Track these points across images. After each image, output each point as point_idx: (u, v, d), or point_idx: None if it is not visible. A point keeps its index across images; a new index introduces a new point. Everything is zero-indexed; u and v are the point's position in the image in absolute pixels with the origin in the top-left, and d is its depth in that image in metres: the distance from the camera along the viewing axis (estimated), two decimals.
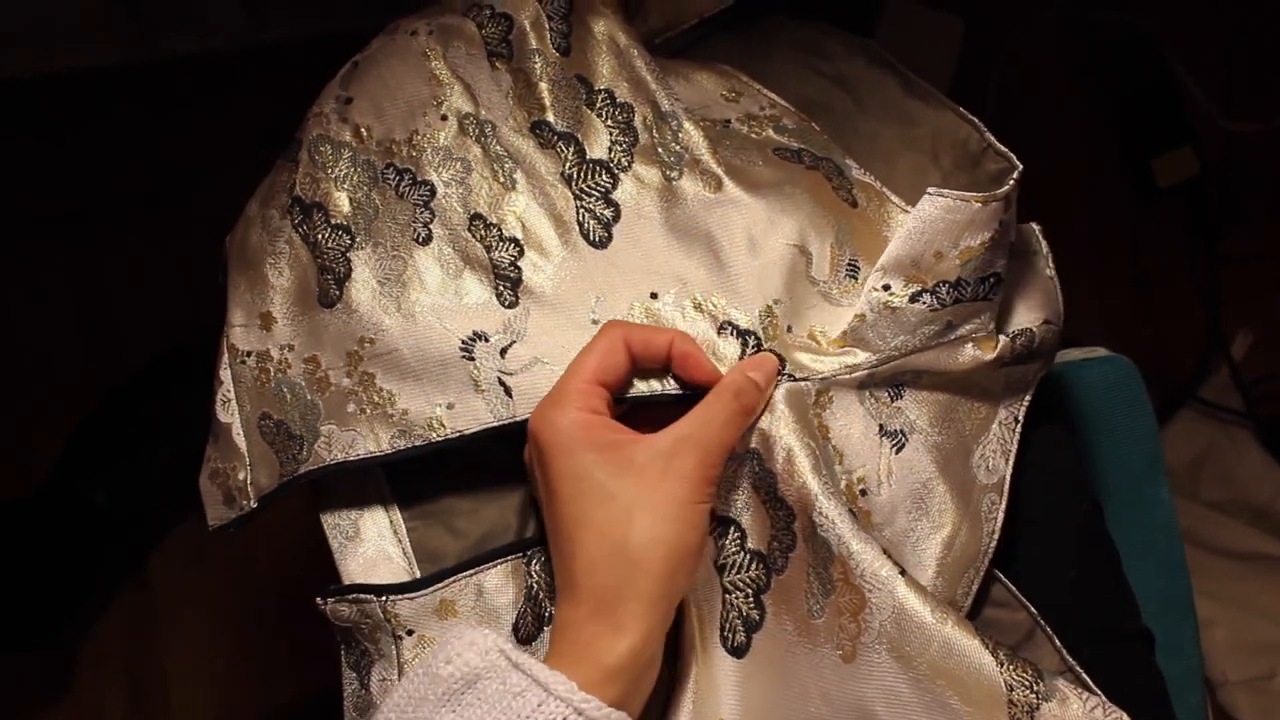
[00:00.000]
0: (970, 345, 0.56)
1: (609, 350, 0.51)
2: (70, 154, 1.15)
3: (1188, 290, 1.19)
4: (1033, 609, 0.58)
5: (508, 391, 0.55)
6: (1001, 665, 0.48)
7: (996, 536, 0.56)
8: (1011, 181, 0.55)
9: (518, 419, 0.55)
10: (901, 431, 0.55)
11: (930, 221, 0.54)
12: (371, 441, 0.56)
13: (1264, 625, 1.08)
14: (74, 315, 1.15)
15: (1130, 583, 0.65)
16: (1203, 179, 1.17)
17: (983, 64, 1.14)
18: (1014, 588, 0.59)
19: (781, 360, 0.54)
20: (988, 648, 0.48)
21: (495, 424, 0.55)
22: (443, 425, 0.56)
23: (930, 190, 0.54)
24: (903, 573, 0.50)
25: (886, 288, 0.55)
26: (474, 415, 0.56)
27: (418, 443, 0.56)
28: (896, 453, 0.55)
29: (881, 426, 0.55)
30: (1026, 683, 0.48)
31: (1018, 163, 0.56)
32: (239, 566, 1.12)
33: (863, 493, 0.54)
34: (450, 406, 0.56)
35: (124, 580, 1.12)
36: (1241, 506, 1.14)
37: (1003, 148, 0.58)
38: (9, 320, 1.15)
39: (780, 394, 0.53)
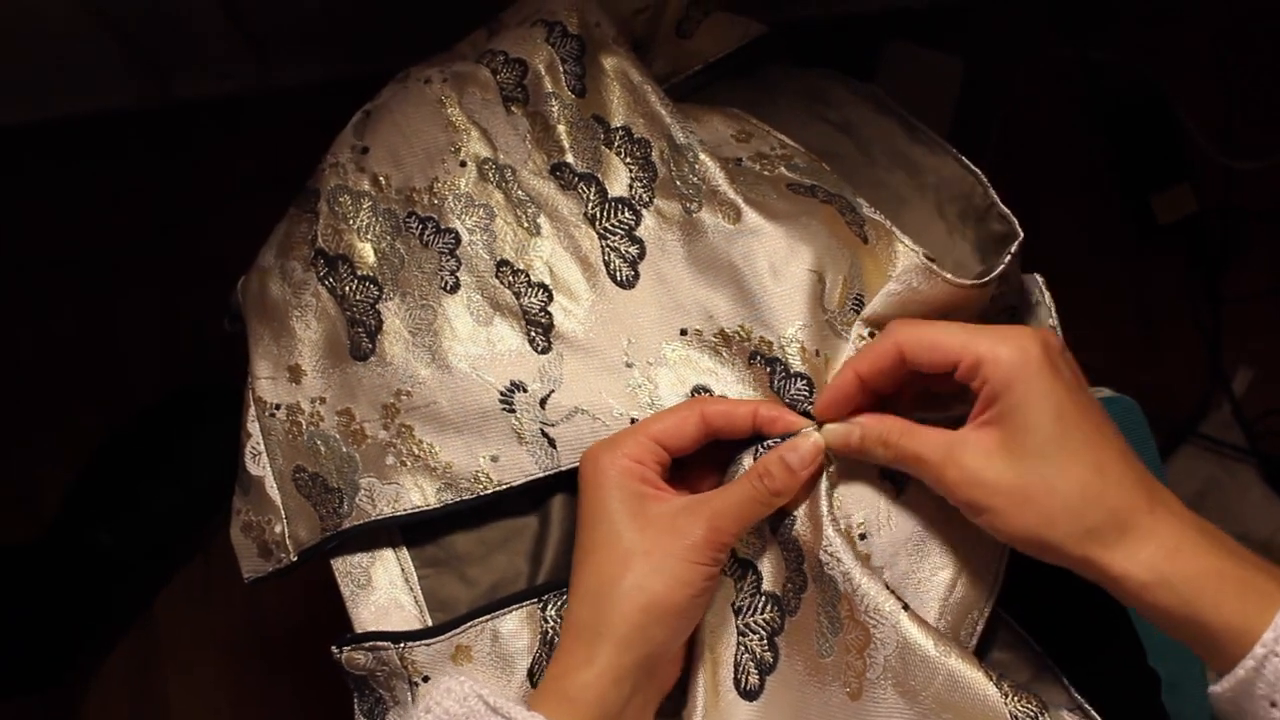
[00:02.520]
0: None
1: (682, 419, 0.53)
2: (79, 197, 1.16)
3: (1188, 326, 1.19)
4: (1038, 648, 0.58)
5: (551, 443, 0.56)
6: (1006, 697, 0.48)
7: (1001, 578, 0.56)
8: (1009, 257, 0.55)
9: (562, 468, 0.56)
10: (902, 474, 0.55)
11: (920, 293, 0.54)
12: (418, 495, 0.57)
13: None
14: (81, 357, 1.15)
15: (1136, 623, 0.65)
16: (1202, 216, 1.18)
17: (982, 104, 1.15)
18: (1021, 629, 0.59)
19: (811, 385, 0.54)
20: (992, 680, 0.48)
21: (540, 475, 0.56)
22: (489, 478, 0.57)
23: (922, 262, 0.54)
24: (905, 607, 0.50)
25: (872, 335, 0.55)
26: (520, 468, 0.56)
27: (465, 496, 0.57)
28: (897, 496, 0.55)
29: (880, 470, 0.55)
30: (1031, 714, 0.48)
31: (1019, 230, 0.57)
32: (244, 607, 1.12)
33: (862, 536, 0.54)
34: (494, 459, 0.57)
35: (130, 622, 1.12)
36: (1243, 541, 1.13)
37: (1005, 210, 0.58)
38: (17, 362, 1.15)
39: (810, 443, 0.53)
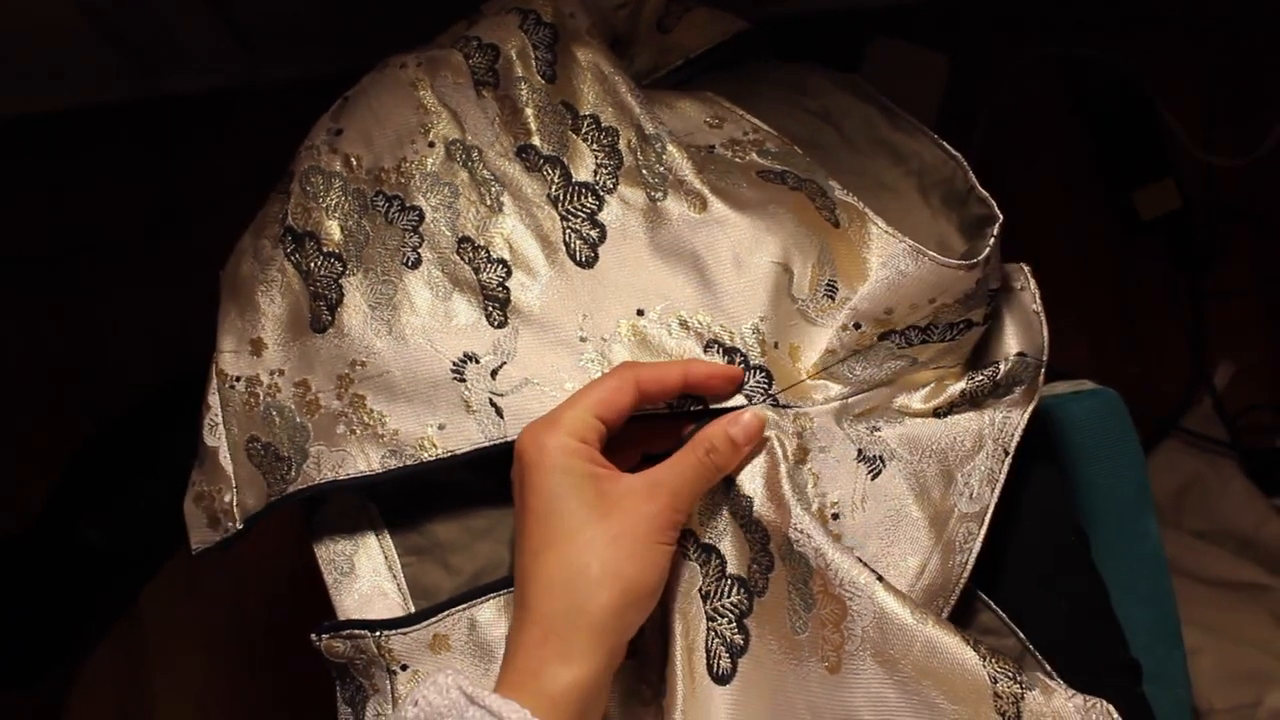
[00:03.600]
0: (932, 376, 0.58)
1: (617, 388, 0.52)
2: (66, 191, 1.16)
3: (1170, 321, 1.20)
4: (1021, 634, 0.59)
5: (499, 412, 0.56)
6: (984, 659, 0.49)
7: (970, 566, 0.56)
8: (992, 240, 0.56)
9: (509, 439, 0.55)
10: (880, 457, 0.56)
11: (909, 277, 0.55)
12: (362, 461, 0.57)
13: (1249, 653, 1.08)
14: (67, 353, 1.15)
15: (1118, 613, 0.65)
16: (1184, 212, 1.19)
17: (967, 100, 1.16)
18: (1003, 614, 0.59)
19: (770, 377, 0.55)
20: (969, 643, 0.49)
21: (486, 444, 0.56)
22: (434, 445, 0.56)
23: (910, 244, 0.55)
24: (880, 578, 0.51)
25: (857, 326, 0.56)
26: (465, 435, 0.56)
27: (409, 462, 0.56)
28: (872, 479, 0.55)
29: (860, 451, 0.56)
30: (1009, 674, 0.49)
31: (999, 213, 0.57)
32: (230, 600, 1.12)
33: (835, 516, 0.55)
34: (441, 427, 0.56)
35: (115, 617, 1.12)
36: (1226, 535, 1.14)
37: (985, 193, 0.59)
38: (2, 358, 1.15)
39: (751, 415, 0.54)
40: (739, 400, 0.55)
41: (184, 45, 1.07)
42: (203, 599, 1.12)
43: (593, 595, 0.49)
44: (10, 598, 1.04)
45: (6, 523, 1.09)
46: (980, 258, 0.55)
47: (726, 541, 0.54)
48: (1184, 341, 1.20)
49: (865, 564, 0.51)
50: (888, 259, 0.56)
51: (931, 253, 0.55)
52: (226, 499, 0.59)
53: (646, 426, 0.55)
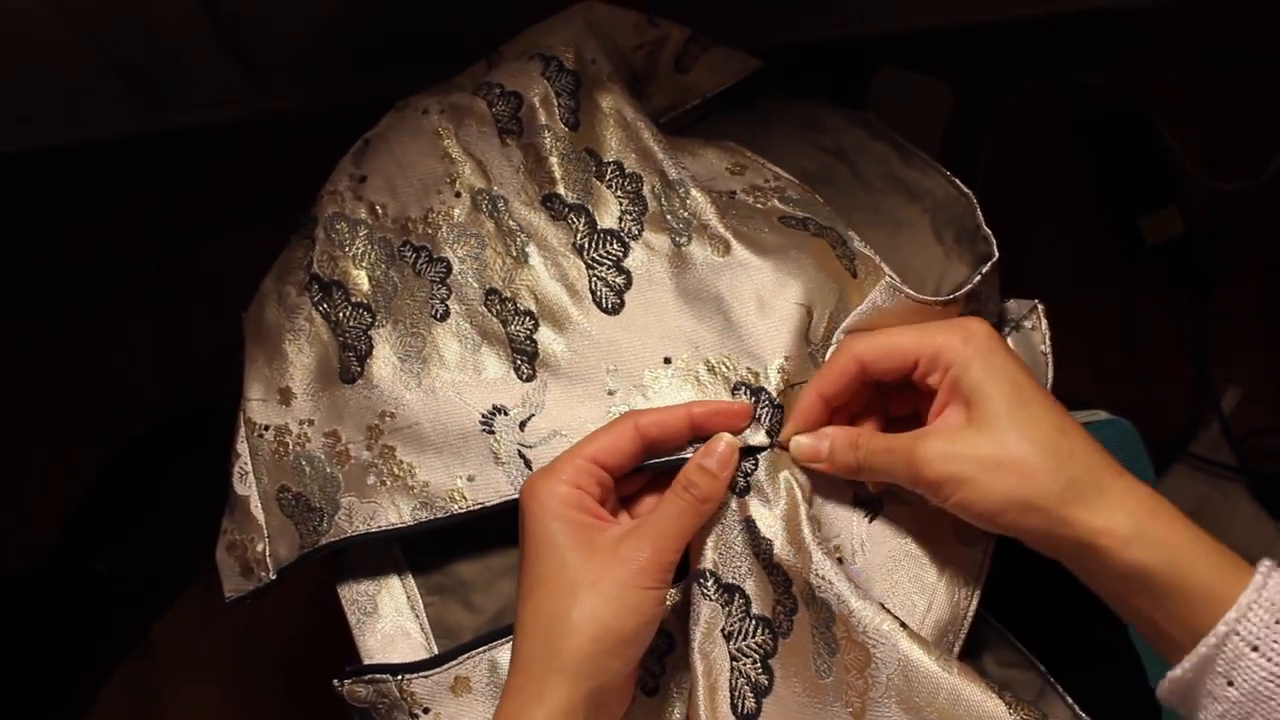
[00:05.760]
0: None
1: (617, 434, 0.53)
2: (76, 223, 1.16)
3: (1177, 346, 1.21)
4: (1042, 667, 0.59)
5: (527, 464, 0.56)
6: (1010, 708, 0.49)
7: (975, 601, 0.56)
8: (978, 278, 0.56)
9: None
10: (877, 499, 0.56)
11: (885, 314, 0.55)
12: (394, 513, 0.57)
13: None
14: (78, 384, 1.15)
15: (1134, 640, 0.66)
16: (1189, 237, 1.19)
17: (971, 128, 1.17)
18: (1023, 647, 0.59)
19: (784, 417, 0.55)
20: (994, 691, 0.49)
21: (515, 495, 0.56)
22: (464, 497, 0.57)
23: (887, 280, 0.56)
24: (903, 626, 0.51)
25: None
26: (494, 488, 0.57)
27: (439, 515, 0.57)
28: (869, 521, 0.56)
29: (856, 495, 0.56)
30: None
31: (996, 250, 0.58)
32: (244, 634, 1.12)
33: (839, 561, 0.55)
34: (471, 479, 0.57)
35: (129, 649, 1.11)
36: None
37: (988, 231, 0.59)
38: (13, 389, 1.15)
39: (769, 464, 0.54)
40: (763, 438, 0.55)
41: (192, 77, 1.07)
42: (217, 631, 1.11)
43: (566, 638, 0.49)
44: (22, 633, 1.04)
45: (18, 555, 1.09)
46: (960, 293, 0.56)
47: (750, 582, 0.54)
48: (1190, 366, 1.20)
49: (888, 611, 0.51)
50: (871, 294, 0.56)
51: (907, 289, 0.55)
52: (259, 548, 0.60)
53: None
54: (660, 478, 0.56)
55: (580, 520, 0.51)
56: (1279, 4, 1.20)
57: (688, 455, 0.54)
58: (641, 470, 0.55)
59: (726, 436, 0.54)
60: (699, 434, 0.54)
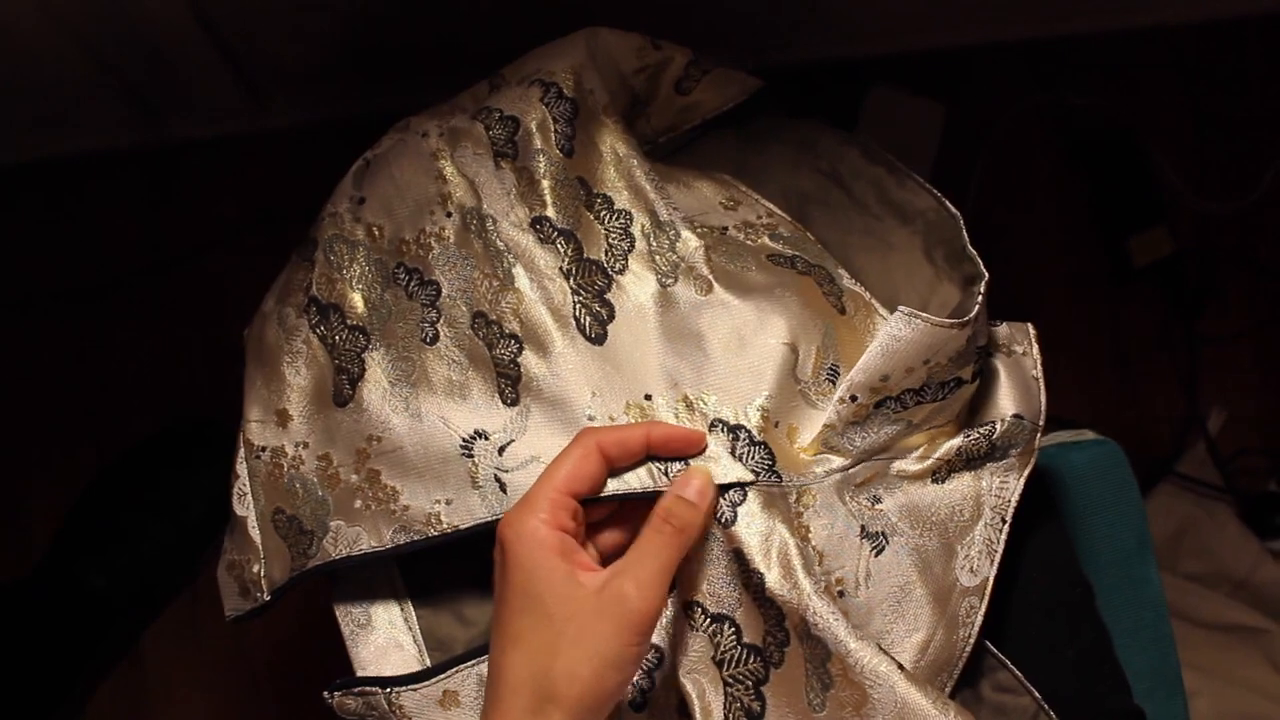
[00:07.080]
0: (925, 438, 0.58)
1: (583, 457, 0.52)
2: (73, 235, 1.16)
3: (1164, 367, 1.21)
4: (1036, 694, 0.59)
5: (503, 488, 0.56)
6: None
7: (973, 641, 0.57)
8: (979, 301, 0.56)
9: None
10: (883, 533, 0.56)
11: (905, 342, 0.55)
12: (374, 537, 0.57)
13: (1245, 695, 1.08)
14: (73, 394, 1.15)
15: (1121, 660, 0.66)
16: (1178, 258, 1.20)
17: (964, 149, 1.17)
18: (1019, 673, 0.60)
19: (772, 455, 0.55)
20: None
21: (489, 519, 0.56)
22: (439, 521, 0.57)
23: (903, 310, 0.55)
24: (900, 667, 0.51)
25: (854, 398, 0.55)
26: (469, 511, 0.56)
27: (416, 538, 0.57)
28: (876, 555, 0.55)
29: (863, 528, 0.56)
30: None
31: (984, 271, 0.58)
32: (233, 642, 1.12)
33: (840, 594, 0.55)
34: (449, 502, 0.57)
35: (118, 658, 1.11)
36: (1221, 578, 1.15)
37: (974, 252, 0.60)
38: (8, 398, 1.15)
39: (759, 497, 0.53)
40: (745, 475, 0.54)
41: (191, 91, 1.08)
42: (206, 640, 1.12)
43: (553, 698, 0.48)
44: (14, 642, 1.03)
45: (10, 564, 1.09)
46: (970, 316, 0.56)
47: (740, 613, 0.54)
48: (1177, 386, 1.21)
49: (885, 651, 0.51)
50: (884, 327, 0.56)
51: (925, 315, 0.55)
52: (255, 569, 0.60)
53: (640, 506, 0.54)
54: (624, 510, 0.55)
55: (562, 568, 0.49)
56: (1268, 26, 1.22)
57: (658, 488, 0.54)
58: (599, 502, 0.54)
59: (702, 468, 0.54)
60: (654, 454, 0.54)
